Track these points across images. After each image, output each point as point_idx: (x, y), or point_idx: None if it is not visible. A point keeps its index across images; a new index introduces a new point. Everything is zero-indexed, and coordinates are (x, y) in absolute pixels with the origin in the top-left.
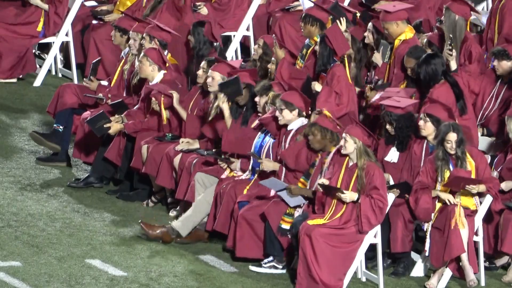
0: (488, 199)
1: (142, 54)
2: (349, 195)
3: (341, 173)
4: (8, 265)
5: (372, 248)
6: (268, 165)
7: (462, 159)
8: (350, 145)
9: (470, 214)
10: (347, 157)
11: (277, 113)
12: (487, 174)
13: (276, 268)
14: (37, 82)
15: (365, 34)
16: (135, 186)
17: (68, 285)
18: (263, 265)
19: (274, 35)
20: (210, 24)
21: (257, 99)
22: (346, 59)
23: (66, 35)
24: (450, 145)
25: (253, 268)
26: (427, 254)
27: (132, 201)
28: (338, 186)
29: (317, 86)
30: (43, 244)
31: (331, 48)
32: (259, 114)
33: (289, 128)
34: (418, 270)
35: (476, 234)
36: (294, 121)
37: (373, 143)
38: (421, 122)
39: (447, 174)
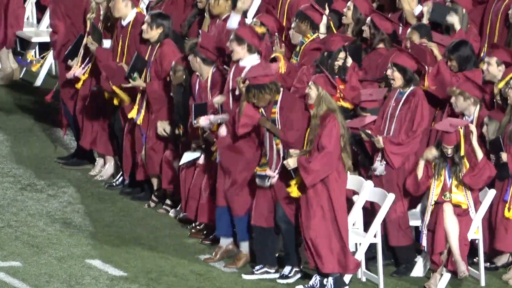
0: (489, 198)
1: None
2: (291, 162)
3: (310, 125)
4: (8, 265)
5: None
6: (216, 98)
7: (459, 164)
8: (313, 92)
9: (461, 213)
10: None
11: (227, 45)
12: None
13: (268, 273)
14: (37, 82)
15: (363, 28)
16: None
17: (68, 285)
18: (255, 272)
19: (277, 33)
20: None
21: (189, 58)
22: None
23: None
24: (446, 150)
25: (246, 277)
26: (425, 250)
27: (143, 201)
28: (306, 136)
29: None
30: (43, 244)
31: None
32: (197, 74)
33: (241, 64)
34: (418, 271)
35: (476, 233)
36: (246, 57)
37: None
38: (389, 72)
39: (443, 172)
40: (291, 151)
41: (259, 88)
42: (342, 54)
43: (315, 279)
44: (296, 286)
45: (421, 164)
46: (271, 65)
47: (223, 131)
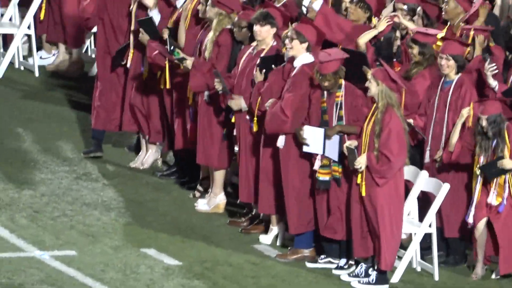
0: None
1: None
2: (362, 161)
3: (368, 115)
4: (63, 254)
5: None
6: (238, 103)
7: (492, 139)
8: (373, 86)
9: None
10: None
11: (287, 42)
12: None
13: (332, 263)
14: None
15: (414, 19)
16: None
17: (124, 274)
18: (319, 260)
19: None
20: None
21: (256, 28)
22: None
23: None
24: (481, 122)
25: (309, 265)
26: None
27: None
28: (365, 128)
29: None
30: (99, 233)
31: None
32: (253, 45)
33: (294, 63)
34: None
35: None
36: (301, 55)
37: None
38: (443, 61)
39: (489, 150)
40: (349, 142)
41: (335, 74)
42: (397, 34)
43: (361, 268)
44: (341, 275)
45: (458, 126)
46: (335, 51)
47: (280, 142)
